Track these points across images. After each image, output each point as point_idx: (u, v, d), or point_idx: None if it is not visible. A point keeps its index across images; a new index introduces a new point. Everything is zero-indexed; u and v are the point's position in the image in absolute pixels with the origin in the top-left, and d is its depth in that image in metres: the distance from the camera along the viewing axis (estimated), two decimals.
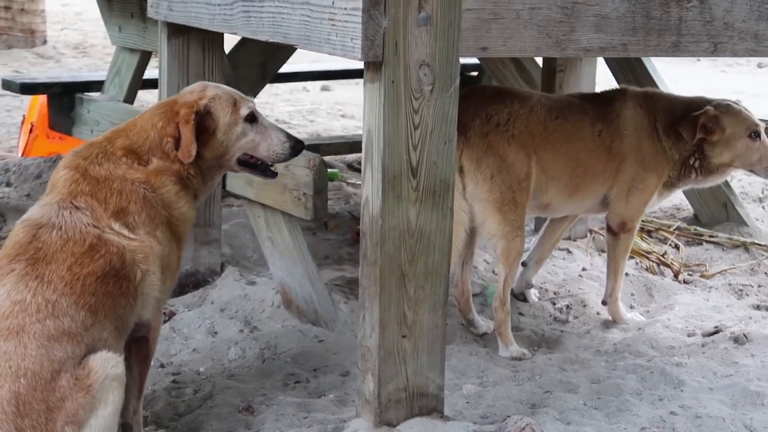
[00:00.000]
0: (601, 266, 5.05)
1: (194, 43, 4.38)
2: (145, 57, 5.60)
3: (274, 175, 3.43)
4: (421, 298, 3.05)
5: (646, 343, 4.11)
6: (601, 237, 5.40)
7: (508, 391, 3.60)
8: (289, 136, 3.35)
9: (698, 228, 5.57)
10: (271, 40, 3.37)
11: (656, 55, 3.44)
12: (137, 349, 3.22)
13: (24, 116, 7.27)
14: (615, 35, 3.32)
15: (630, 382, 3.67)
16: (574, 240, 5.33)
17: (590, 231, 5.41)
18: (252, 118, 3.30)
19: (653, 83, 5.59)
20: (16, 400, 2.77)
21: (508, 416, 3.18)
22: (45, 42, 12.10)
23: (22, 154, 6.83)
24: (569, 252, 5.19)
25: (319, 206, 4.08)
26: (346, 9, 2.90)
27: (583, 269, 4.99)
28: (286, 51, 5.51)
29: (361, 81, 9.89)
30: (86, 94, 6.09)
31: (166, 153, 3.21)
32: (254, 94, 5.13)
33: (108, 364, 2.91)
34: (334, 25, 2.97)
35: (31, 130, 6.78)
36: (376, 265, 2.99)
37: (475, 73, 7.34)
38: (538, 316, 4.50)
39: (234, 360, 3.97)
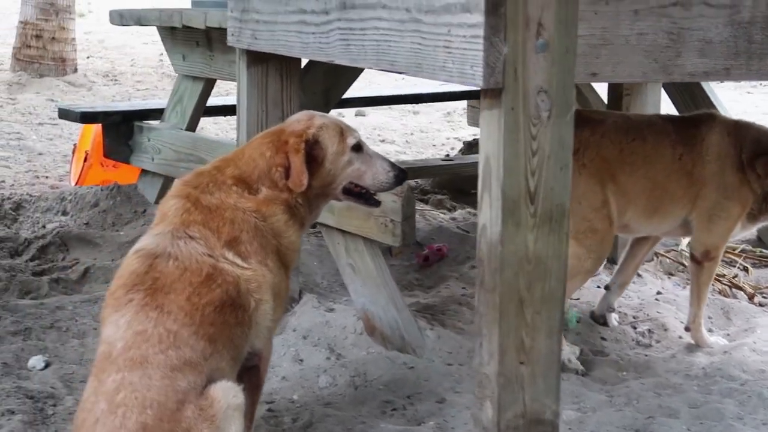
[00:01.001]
0: (673, 289, 5.05)
1: (273, 70, 4.40)
2: (209, 85, 5.63)
3: (378, 204, 3.44)
4: (538, 324, 3.04)
5: (736, 366, 4.10)
6: (668, 260, 5.41)
7: (609, 416, 3.59)
8: (394, 165, 3.37)
9: (763, 250, 5.57)
10: (375, 68, 3.38)
11: (759, 79, 3.45)
12: (249, 378, 3.21)
13: (75, 145, 7.29)
14: (718, 60, 3.33)
15: (729, 407, 3.66)
16: (642, 263, 5.32)
17: (657, 255, 5.41)
18: (358, 147, 3.32)
19: (713, 108, 5.60)
20: (143, 431, 2.76)
21: None
22: (75, 70, 12.15)
23: (77, 183, 6.84)
24: (639, 275, 5.17)
25: (407, 232, 4.09)
26: (464, 36, 2.91)
27: (658, 293, 4.98)
28: (349, 77, 5.53)
29: (394, 107, 9.88)
30: (145, 122, 6.12)
31: (274, 182, 3.23)
32: None
33: (229, 393, 2.91)
34: (450, 52, 2.98)
35: (85, 159, 6.79)
36: (495, 292, 2.99)
37: None
38: (621, 341, 4.49)
39: (325, 388, 3.96)
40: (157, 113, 6.16)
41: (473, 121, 8.04)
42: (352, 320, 4.39)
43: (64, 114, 6.27)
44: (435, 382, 3.96)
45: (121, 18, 5.59)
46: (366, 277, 4.38)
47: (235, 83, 4.62)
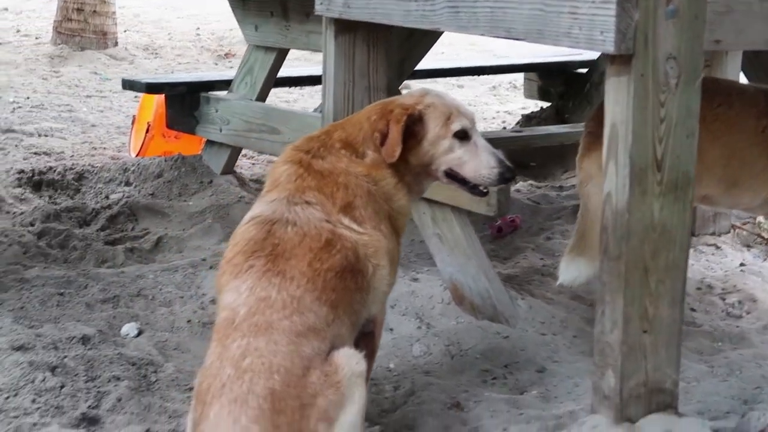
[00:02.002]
0: (755, 261, 5.02)
1: (360, 40, 4.35)
2: (281, 55, 5.60)
3: (483, 194, 3.37)
4: (662, 292, 3.02)
5: None
6: (744, 233, 5.37)
7: (715, 387, 3.57)
8: (501, 162, 3.27)
9: None
10: (488, 36, 3.35)
11: None
12: (364, 344, 3.18)
13: (134, 116, 7.28)
14: None
15: None
16: (719, 235, 5.29)
17: (733, 227, 5.37)
18: (463, 135, 3.23)
19: None
20: (271, 396, 2.74)
21: (746, 413, 3.15)
22: (116, 44, 12.12)
23: (138, 154, 6.83)
24: (717, 247, 5.15)
25: (502, 201, 4.08)
26: (594, 2, 2.88)
27: (742, 264, 4.95)
28: (424, 48, 5.48)
29: (439, 80, 9.73)
30: (211, 93, 6.10)
31: (377, 146, 3.21)
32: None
33: (352, 360, 2.90)
34: (576, 18, 2.95)
35: (147, 130, 6.78)
36: (620, 260, 2.97)
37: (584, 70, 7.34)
38: (710, 312, 4.47)
39: (420, 356, 3.95)
40: (222, 84, 6.15)
41: (530, 94, 8.02)
42: (438, 290, 4.38)
43: (129, 85, 6.25)
44: (531, 352, 3.95)
45: None
46: (454, 247, 4.36)
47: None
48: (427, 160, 3.24)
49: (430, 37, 5.34)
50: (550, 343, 4.04)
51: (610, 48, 2.84)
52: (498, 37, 3.30)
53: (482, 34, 3.37)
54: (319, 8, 4.24)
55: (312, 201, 3.10)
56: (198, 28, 14.54)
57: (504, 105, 9.93)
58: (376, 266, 3.11)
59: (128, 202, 5.84)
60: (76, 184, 6.43)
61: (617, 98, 2.93)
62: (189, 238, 5.44)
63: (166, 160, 6.30)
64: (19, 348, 3.64)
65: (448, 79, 10.62)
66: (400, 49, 5.36)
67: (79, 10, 11.80)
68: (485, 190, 3.36)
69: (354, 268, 3.04)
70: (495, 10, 3.26)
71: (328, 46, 4.35)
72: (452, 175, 3.28)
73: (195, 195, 5.98)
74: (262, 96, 5.75)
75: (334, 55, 4.34)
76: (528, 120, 7.73)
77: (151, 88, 6.09)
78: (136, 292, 4.41)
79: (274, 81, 5.88)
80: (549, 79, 7.70)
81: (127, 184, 6.36)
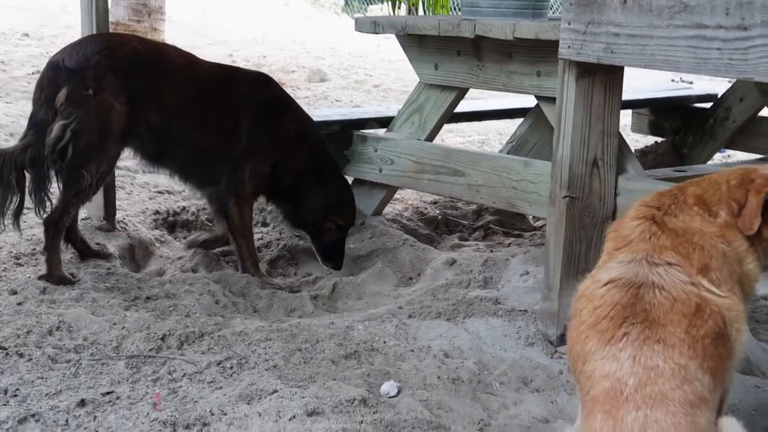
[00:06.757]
0: None
1: (598, 83, 4.25)
2: (461, 95, 5.45)
3: None
4: None
5: None
6: None
7: None
8: None
9: None
10: None
11: None
12: None
13: None
14: None
15: None
16: None
17: None
18: None
19: None
20: None
21: None
22: None
23: None
24: None
25: None
26: None
27: None
28: None
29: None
30: (366, 131, 5.94)
31: (731, 211, 3.09)
32: None
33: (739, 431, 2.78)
34: None
35: None
36: None
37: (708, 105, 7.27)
38: None
39: None
40: (372, 122, 6.00)
41: (638, 128, 7.93)
42: None
43: None
44: None
45: (375, 26, 5.36)
46: None
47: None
48: None
49: None
50: None
51: None
52: None
53: None
54: (565, 52, 4.12)
55: (673, 262, 2.97)
56: (231, 55, 14.34)
57: None
58: (738, 331, 2.98)
59: (288, 245, 5.65)
60: (210, 224, 6.23)
61: None
62: (363, 283, 5.28)
63: None
64: (313, 413, 3.45)
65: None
66: None
67: None
68: None
69: (723, 333, 2.91)
70: None
71: (567, 89, 4.24)
72: None
73: (350, 237, 5.80)
74: (432, 136, 5.59)
75: (574, 98, 4.22)
76: (643, 155, 7.64)
77: None
78: (370, 347, 4.21)
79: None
80: (662, 113, 7.62)
81: (264, 224, 6.19)
